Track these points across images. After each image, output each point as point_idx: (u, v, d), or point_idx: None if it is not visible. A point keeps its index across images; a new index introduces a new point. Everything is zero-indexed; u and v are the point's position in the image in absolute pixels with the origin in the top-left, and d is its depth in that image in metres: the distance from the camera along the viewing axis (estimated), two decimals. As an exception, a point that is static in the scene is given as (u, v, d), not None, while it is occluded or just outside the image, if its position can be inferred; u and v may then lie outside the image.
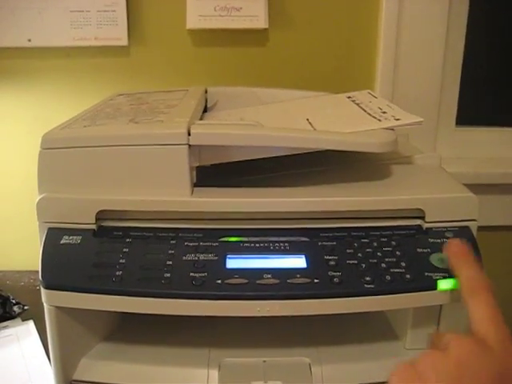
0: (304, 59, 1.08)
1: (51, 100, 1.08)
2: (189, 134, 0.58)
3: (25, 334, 0.90)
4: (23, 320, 0.93)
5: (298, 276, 0.56)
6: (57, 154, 0.59)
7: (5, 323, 0.92)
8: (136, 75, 1.07)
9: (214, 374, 0.60)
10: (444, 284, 0.57)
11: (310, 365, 0.61)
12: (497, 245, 1.17)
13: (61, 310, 0.58)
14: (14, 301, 0.95)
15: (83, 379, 0.61)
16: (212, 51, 1.07)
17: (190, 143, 0.58)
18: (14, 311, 0.94)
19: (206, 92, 0.91)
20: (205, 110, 0.88)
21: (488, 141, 1.20)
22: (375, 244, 0.59)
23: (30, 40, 1.03)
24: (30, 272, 1.09)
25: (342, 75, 1.10)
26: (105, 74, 1.07)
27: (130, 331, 0.67)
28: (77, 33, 1.03)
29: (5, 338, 0.89)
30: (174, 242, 0.59)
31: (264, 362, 0.62)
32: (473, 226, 0.61)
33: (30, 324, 0.92)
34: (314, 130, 0.66)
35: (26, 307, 0.95)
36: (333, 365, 0.62)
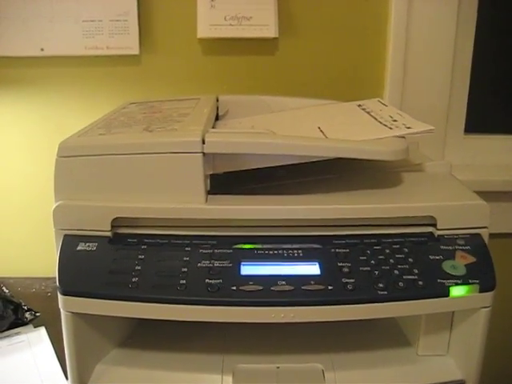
0: (313, 68, 1.09)
1: (64, 108, 1.09)
2: (203, 143, 0.59)
3: (36, 340, 0.90)
4: (35, 326, 0.94)
5: (312, 283, 0.56)
6: (73, 161, 0.60)
7: (17, 329, 0.93)
8: (147, 84, 1.08)
9: (228, 380, 0.61)
10: (456, 291, 0.57)
11: (323, 371, 0.62)
12: (507, 252, 1.17)
13: (77, 316, 0.59)
14: (25, 307, 0.96)
15: (99, 385, 0.61)
16: (222, 60, 1.08)
17: (205, 151, 0.59)
18: (26, 318, 0.95)
19: (218, 100, 0.92)
20: (216, 118, 0.89)
21: (497, 148, 1.20)
22: (388, 251, 0.60)
23: (42, 49, 1.04)
24: (42, 279, 1.09)
25: (351, 83, 1.11)
26: (116, 83, 1.08)
27: (145, 337, 0.68)
28: (89, 42, 1.04)
29: (17, 344, 0.89)
30: (188, 249, 0.59)
31: (277, 368, 0.62)
32: (484, 233, 0.62)
33: (42, 330, 0.92)
34: (326, 138, 0.67)
35: (37, 314, 0.95)
36: (346, 371, 0.62)
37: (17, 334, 0.92)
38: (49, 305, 0.94)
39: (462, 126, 1.19)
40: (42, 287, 1.08)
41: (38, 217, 1.11)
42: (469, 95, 1.17)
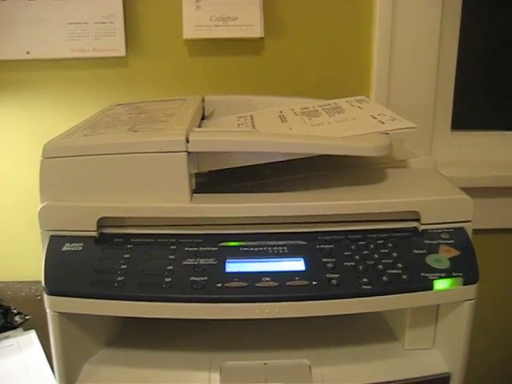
0: (299, 67, 1.10)
1: (50, 111, 1.09)
2: (187, 142, 0.59)
3: (27, 343, 0.90)
4: (25, 330, 0.93)
5: (297, 278, 0.57)
6: (58, 162, 0.60)
7: (6, 333, 0.93)
8: (134, 85, 1.08)
9: (216, 377, 0.61)
10: (440, 284, 0.58)
11: (310, 366, 0.62)
12: (492, 247, 1.18)
13: (64, 316, 0.59)
14: (15, 311, 0.96)
15: (86, 385, 0.61)
16: (208, 60, 1.08)
17: (189, 150, 0.59)
18: (16, 321, 0.94)
19: (204, 101, 0.92)
20: (202, 118, 0.90)
21: (483, 144, 1.21)
22: (372, 246, 0.60)
23: (28, 52, 1.04)
24: (31, 282, 1.09)
25: (336, 83, 1.11)
26: (103, 85, 1.08)
27: (132, 337, 0.68)
28: (75, 44, 1.04)
29: (7, 347, 0.89)
30: (174, 247, 0.60)
31: (265, 364, 0.63)
32: (468, 227, 0.62)
33: (32, 334, 0.92)
34: (310, 135, 0.67)
35: (27, 317, 0.95)
36: (333, 366, 0.62)
37: (6, 337, 0.91)
38: (39, 308, 0.93)
39: (449, 123, 1.19)
40: (32, 291, 1.08)
41: (26, 220, 1.11)
42: (455, 92, 1.17)
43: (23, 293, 1.08)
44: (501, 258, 1.21)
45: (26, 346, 0.89)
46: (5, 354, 0.87)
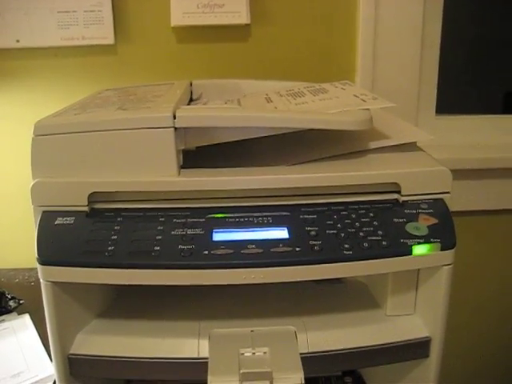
0: (285, 53, 1.12)
1: (41, 99, 1.10)
2: (174, 118, 0.61)
3: (21, 326, 0.92)
4: (19, 314, 0.95)
5: (281, 245, 0.59)
6: (49, 140, 0.62)
7: (1, 317, 0.94)
8: (123, 72, 1.10)
9: (205, 343, 0.63)
10: (419, 249, 0.60)
11: (295, 332, 0.64)
12: (476, 229, 1.20)
13: (57, 286, 0.60)
14: (9, 296, 0.97)
15: (79, 353, 0.63)
16: (196, 47, 1.10)
17: (176, 126, 0.61)
18: (10, 305, 0.96)
19: (191, 85, 0.94)
20: (191, 101, 0.91)
21: (467, 128, 1.23)
22: (354, 216, 0.62)
23: (18, 41, 1.06)
24: (24, 269, 1.11)
25: (322, 68, 1.13)
26: (93, 73, 1.09)
27: (123, 308, 0.70)
28: (64, 33, 1.06)
29: (2, 330, 0.91)
30: (162, 219, 0.61)
31: (252, 331, 0.64)
32: (446, 198, 0.65)
33: (26, 317, 0.94)
34: (294, 111, 0.69)
35: (21, 301, 0.97)
36: (317, 332, 0.64)
37: (1, 321, 0.93)
38: (32, 294, 0.95)
39: (434, 107, 1.22)
40: (26, 277, 1.09)
41: (20, 208, 1.12)
42: (439, 77, 1.20)
43: (17, 279, 1.09)
44: (483, 239, 1.23)
45: (20, 329, 0.91)
46: (0, 336, 0.89)
